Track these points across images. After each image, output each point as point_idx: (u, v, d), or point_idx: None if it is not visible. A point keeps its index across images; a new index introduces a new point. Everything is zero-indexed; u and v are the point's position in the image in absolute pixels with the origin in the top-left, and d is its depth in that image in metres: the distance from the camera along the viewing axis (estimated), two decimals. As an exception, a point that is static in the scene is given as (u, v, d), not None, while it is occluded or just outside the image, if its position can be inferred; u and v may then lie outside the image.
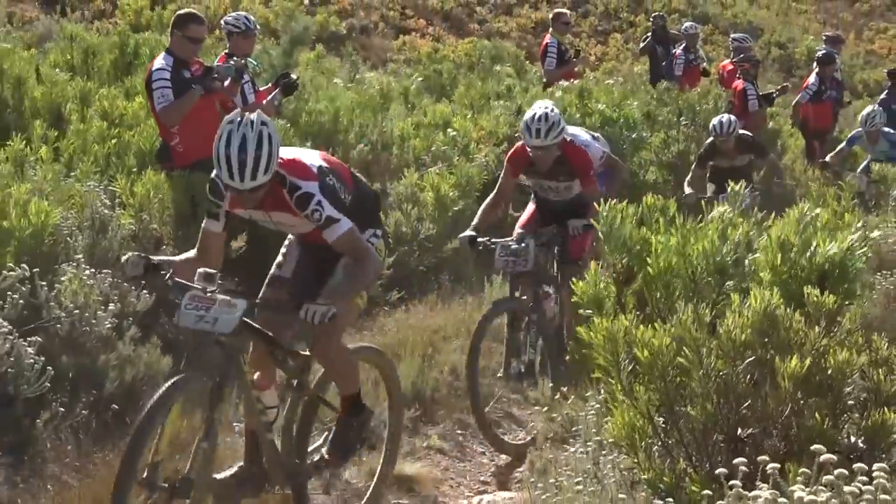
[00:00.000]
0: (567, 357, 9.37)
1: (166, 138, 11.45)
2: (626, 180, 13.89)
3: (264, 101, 12.34)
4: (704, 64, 23.73)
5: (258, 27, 13.75)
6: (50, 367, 8.05)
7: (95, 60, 16.64)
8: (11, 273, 8.57)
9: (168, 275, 7.12)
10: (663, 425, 6.16)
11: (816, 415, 5.82)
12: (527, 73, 25.37)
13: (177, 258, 7.79)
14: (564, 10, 24.19)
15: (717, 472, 4.89)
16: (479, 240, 10.63)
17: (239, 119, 6.93)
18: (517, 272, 10.41)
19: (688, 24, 25.66)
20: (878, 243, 11.00)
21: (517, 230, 11.18)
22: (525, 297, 10.75)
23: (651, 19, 25.49)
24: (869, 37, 41.89)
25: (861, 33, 41.67)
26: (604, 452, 6.93)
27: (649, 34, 24.22)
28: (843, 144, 18.65)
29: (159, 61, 11.53)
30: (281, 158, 7.08)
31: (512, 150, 11.52)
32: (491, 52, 26.88)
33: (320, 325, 6.97)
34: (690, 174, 15.79)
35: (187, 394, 6.96)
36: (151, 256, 7.32)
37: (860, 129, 17.91)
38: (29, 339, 8.09)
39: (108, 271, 9.27)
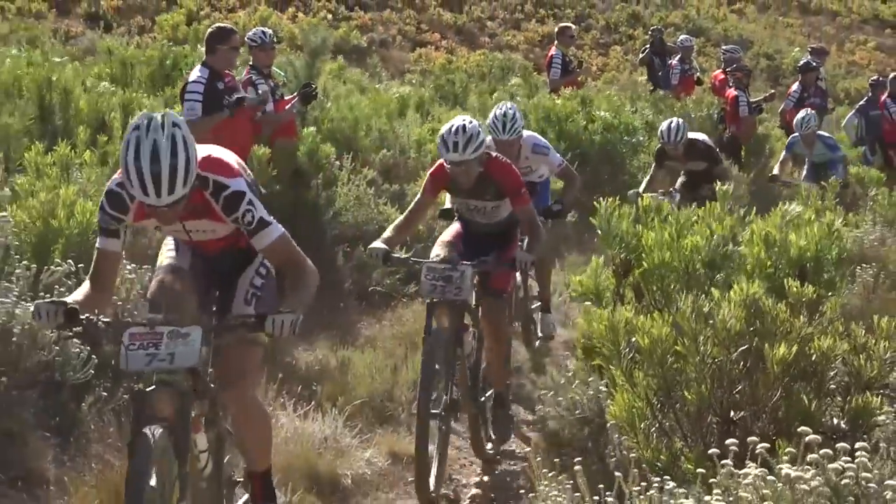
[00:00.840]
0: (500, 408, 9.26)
1: (205, 143, 11.39)
2: (579, 191, 11.99)
3: (283, 111, 12.35)
4: (698, 74, 23.78)
5: (276, 41, 13.79)
6: (94, 356, 8.06)
7: (135, 72, 16.67)
8: (59, 268, 8.56)
9: (95, 318, 6.01)
10: (660, 408, 6.16)
11: (802, 398, 5.82)
12: (535, 82, 25.24)
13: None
14: (570, 25, 24.16)
15: (710, 451, 4.88)
16: (395, 255, 9.00)
17: (146, 122, 5.64)
18: (446, 300, 8.43)
19: (683, 37, 25.72)
20: (859, 239, 11.00)
21: (440, 248, 9.19)
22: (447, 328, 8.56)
23: (649, 33, 25.50)
24: (850, 48, 41.83)
25: (843, 45, 41.60)
26: (604, 433, 6.92)
27: (647, 46, 24.22)
28: (783, 153, 17.75)
29: (195, 73, 11.53)
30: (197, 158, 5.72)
31: (434, 165, 9.57)
32: (501, 64, 26.88)
33: (281, 337, 5.92)
34: (649, 176, 14.59)
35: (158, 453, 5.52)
36: (65, 300, 6.06)
37: (796, 134, 17.07)
38: (73, 329, 8.09)
39: (147, 266, 9.27)
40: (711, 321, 6.09)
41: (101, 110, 13.57)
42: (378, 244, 8.82)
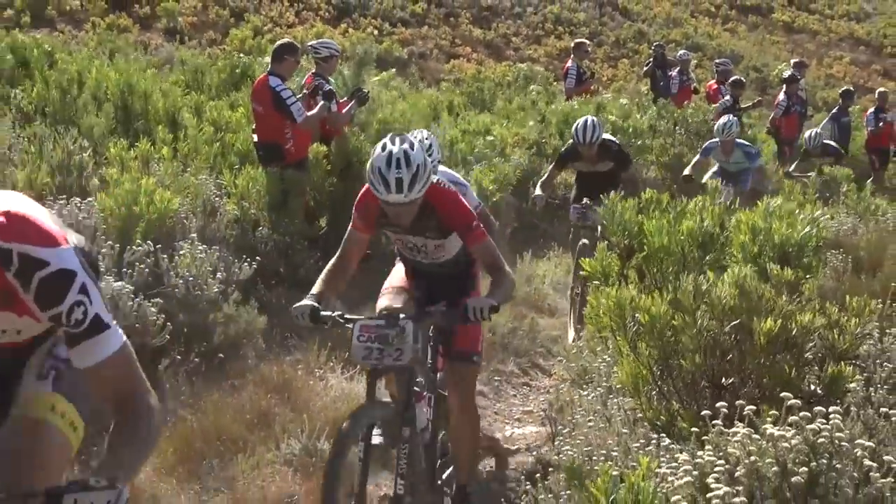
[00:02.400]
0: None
1: (280, 141, 11.39)
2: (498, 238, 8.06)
3: (344, 111, 12.35)
4: (695, 84, 23.71)
5: (339, 51, 13.79)
6: (169, 324, 8.10)
7: (206, 79, 16.72)
8: (139, 248, 8.63)
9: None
10: (660, 375, 6.15)
11: (784, 367, 5.81)
12: (553, 90, 25.18)
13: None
14: (584, 40, 24.20)
15: (702, 412, 4.86)
16: (324, 314, 6.23)
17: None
18: (386, 367, 6.14)
19: (682, 51, 25.70)
20: (836, 229, 10.97)
21: (385, 297, 7.13)
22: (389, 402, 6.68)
23: (652, 48, 25.39)
24: (828, 63, 41.64)
25: (822, 60, 41.40)
26: (611, 396, 6.90)
27: (651, 60, 24.13)
28: (698, 155, 15.11)
29: (277, 82, 11.43)
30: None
31: (361, 193, 6.66)
32: (524, 74, 26.83)
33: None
34: (546, 174, 12.45)
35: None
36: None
37: (716, 138, 14.66)
38: (152, 300, 8.15)
39: (217, 247, 9.33)
40: (707, 299, 6.09)
41: (175, 111, 13.61)
42: (305, 301, 6.26)
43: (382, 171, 5.98)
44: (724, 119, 14.88)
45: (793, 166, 17.71)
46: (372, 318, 6.21)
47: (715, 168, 14.74)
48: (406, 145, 6.07)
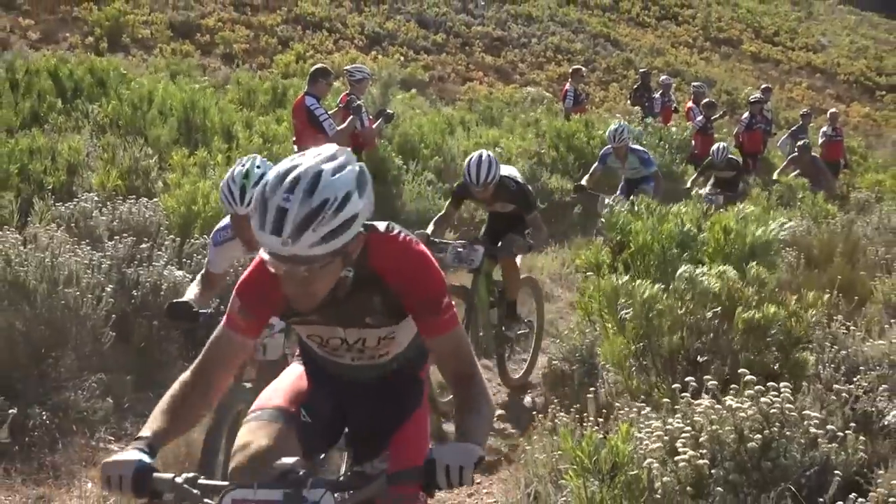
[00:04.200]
0: None
1: None
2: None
3: (374, 126, 12.40)
4: (675, 104, 23.66)
5: (370, 74, 13.86)
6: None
7: (257, 97, 16.76)
8: (197, 241, 8.66)
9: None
10: (641, 351, 6.14)
11: (751, 349, 5.80)
12: (553, 109, 25.14)
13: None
14: (580, 67, 24.24)
15: (674, 385, 4.86)
16: (160, 478, 3.03)
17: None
18: None
19: (664, 77, 25.69)
20: (793, 230, 10.97)
21: (260, 433, 3.77)
22: None
23: (639, 74, 25.36)
24: (789, 88, 41.54)
25: (784, 85, 41.29)
26: (598, 370, 6.90)
27: (637, 84, 24.08)
28: (595, 164, 12.92)
29: (311, 101, 11.43)
30: None
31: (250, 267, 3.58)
32: (528, 95, 26.81)
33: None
34: (444, 211, 9.02)
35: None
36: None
37: (609, 145, 12.62)
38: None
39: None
40: (699, 287, 6.09)
41: (229, 125, 13.64)
42: (128, 455, 3.06)
43: (265, 195, 3.05)
44: (614, 125, 12.90)
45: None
46: (250, 486, 3.09)
47: (622, 183, 12.79)
48: (326, 163, 3.13)
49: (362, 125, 12.18)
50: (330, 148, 3.26)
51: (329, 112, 11.65)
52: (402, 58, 30.11)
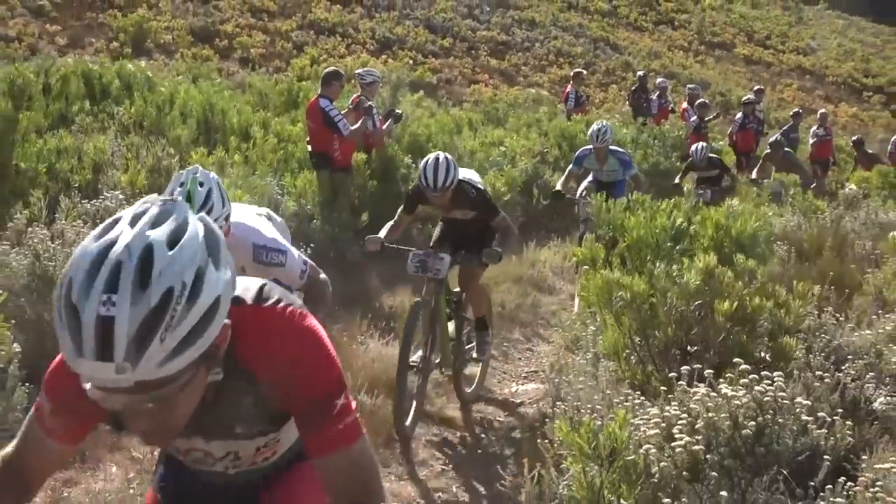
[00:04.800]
0: None
1: (329, 151, 11.39)
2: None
3: (384, 127, 12.39)
4: (672, 105, 23.62)
5: (380, 77, 13.85)
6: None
7: (271, 100, 16.77)
8: (216, 236, 8.64)
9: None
10: (638, 343, 6.13)
11: (740, 339, 5.79)
12: (555, 111, 25.10)
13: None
14: (581, 70, 24.29)
15: (670, 374, 4.84)
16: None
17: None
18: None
19: (660, 79, 25.59)
20: (784, 225, 10.95)
21: None
22: None
23: (636, 76, 25.31)
24: (780, 89, 41.48)
25: (775, 87, 41.22)
26: (599, 360, 6.88)
27: (635, 85, 24.04)
28: (570, 167, 11.64)
29: (325, 103, 11.36)
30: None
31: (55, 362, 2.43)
32: (531, 96, 26.78)
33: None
34: (396, 217, 7.71)
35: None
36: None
37: (589, 146, 11.37)
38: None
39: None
40: (678, 282, 6.08)
41: (246, 125, 13.64)
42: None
43: (74, 301, 1.94)
44: (596, 125, 11.41)
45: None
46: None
47: (589, 178, 11.49)
48: (152, 229, 2.02)
49: (373, 125, 12.18)
50: (148, 203, 2.07)
51: (343, 112, 11.64)
52: (410, 61, 30.11)
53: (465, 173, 7.60)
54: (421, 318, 7.12)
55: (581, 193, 11.31)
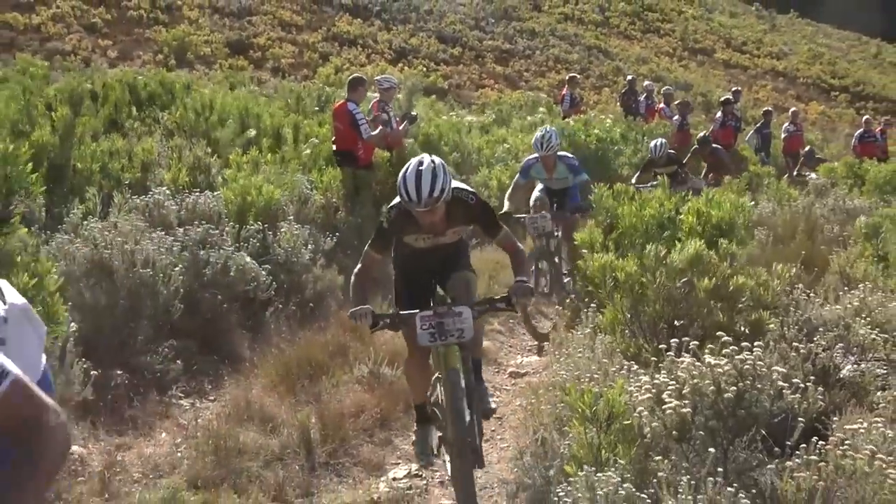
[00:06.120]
0: None
1: (353, 149, 11.34)
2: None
3: (400, 128, 12.36)
4: (658, 106, 23.51)
5: (398, 84, 13.82)
6: (273, 282, 8.13)
7: (300, 104, 16.74)
8: (252, 227, 8.67)
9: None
10: (630, 318, 6.12)
11: (721, 314, 5.77)
12: (554, 112, 25.02)
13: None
14: (576, 74, 24.19)
15: (660, 346, 4.82)
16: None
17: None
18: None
19: (648, 82, 25.49)
20: (760, 211, 10.91)
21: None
22: None
23: (626, 80, 25.19)
24: (756, 90, 41.27)
25: (752, 88, 41.00)
26: (595, 334, 6.87)
27: (625, 88, 23.92)
28: (516, 178, 9.64)
29: (352, 106, 11.33)
30: None
31: None
32: (532, 99, 26.70)
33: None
34: (361, 262, 5.25)
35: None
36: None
37: (534, 154, 9.35)
38: (262, 265, 8.17)
39: (308, 226, 9.36)
40: (666, 263, 6.07)
41: (279, 127, 13.63)
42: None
43: None
44: (539, 132, 9.46)
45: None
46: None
47: (539, 188, 9.65)
48: None
49: (391, 127, 12.16)
50: None
51: (366, 118, 11.63)
52: (424, 68, 30.05)
53: (455, 183, 5.25)
54: (443, 394, 5.15)
55: (532, 206, 9.46)
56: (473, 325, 5.03)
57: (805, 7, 63.07)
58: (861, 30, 60.82)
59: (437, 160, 4.94)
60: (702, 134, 15.83)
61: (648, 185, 11.92)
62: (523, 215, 9.15)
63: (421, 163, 4.92)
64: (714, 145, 15.31)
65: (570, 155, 9.87)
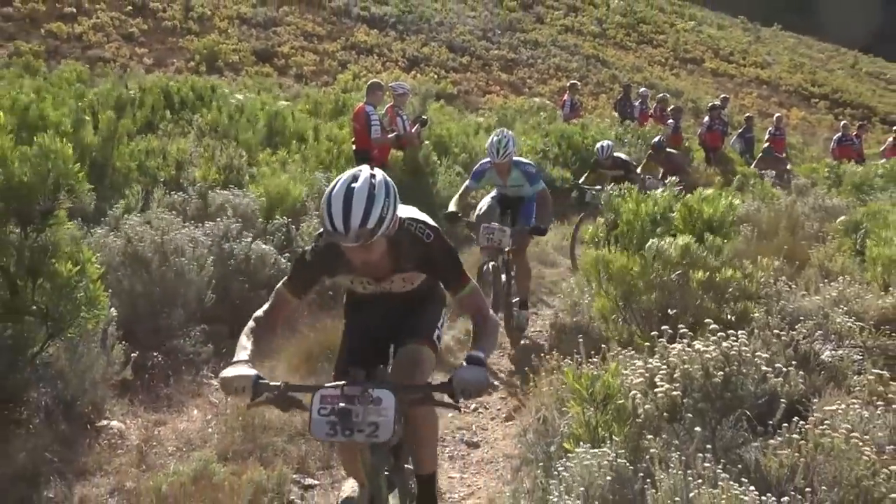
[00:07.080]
0: None
1: (368, 149, 11.39)
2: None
3: (412, 130, 12.36)
4: (651, 111, 23.47)
5: (410, 89, 13.82)
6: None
7: (322, 108, 16.75)
8: (278, 221, 8.67)
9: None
10: (624, 307, 6.12)
11: (709, 304, 5.77)
12: (555, 116, 24.97)
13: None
14: (576, 82, 24.12)
15: (652, 333, 4.82)
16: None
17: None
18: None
19: (642, 89, 25.50)
20: (747, 209, 10.88)
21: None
22: None
23: (622, 87, 25.16)
24: (742, 96, 41.13)
25: (738, 94, 40.85)
26: (592, 322, 6.87)
27: (621, 94, 23.88)
28: (466, 183, 8.05)
29: (370, 109, 11.43)
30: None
31: None
32: (535, 104, 26.65)
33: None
34: (268, 303, 3.64)
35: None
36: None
37: (487, 159, 7.84)
38: (286, 257, 8.17)
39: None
40: (661, 255, 6.07)
41: (302, 130, 13.63)
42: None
43: None
44: (494, 135, 7.79)
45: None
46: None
47: (492, 194, 8.24)
48: None
49: (404, 130, 12.16)
50: None
51: (380, 120, 11.65)
52: (435, 76, 30.01)
53: (408, 211, 3.76)
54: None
55: (479, 215, 7.93)
56: (401, 420, 3.29)
57: (787, 20, 62.89)
58: (840, 42, 60.67)
59: (380, 176, 3.30)
60: (656, 139, 14.75)
61: (595, 187, 11.42)
62: (479, 222, 7.67)
63: (354, 178, 3.21)
64: (668, 150, 14.42)
65: (528, 161, 8.28)
